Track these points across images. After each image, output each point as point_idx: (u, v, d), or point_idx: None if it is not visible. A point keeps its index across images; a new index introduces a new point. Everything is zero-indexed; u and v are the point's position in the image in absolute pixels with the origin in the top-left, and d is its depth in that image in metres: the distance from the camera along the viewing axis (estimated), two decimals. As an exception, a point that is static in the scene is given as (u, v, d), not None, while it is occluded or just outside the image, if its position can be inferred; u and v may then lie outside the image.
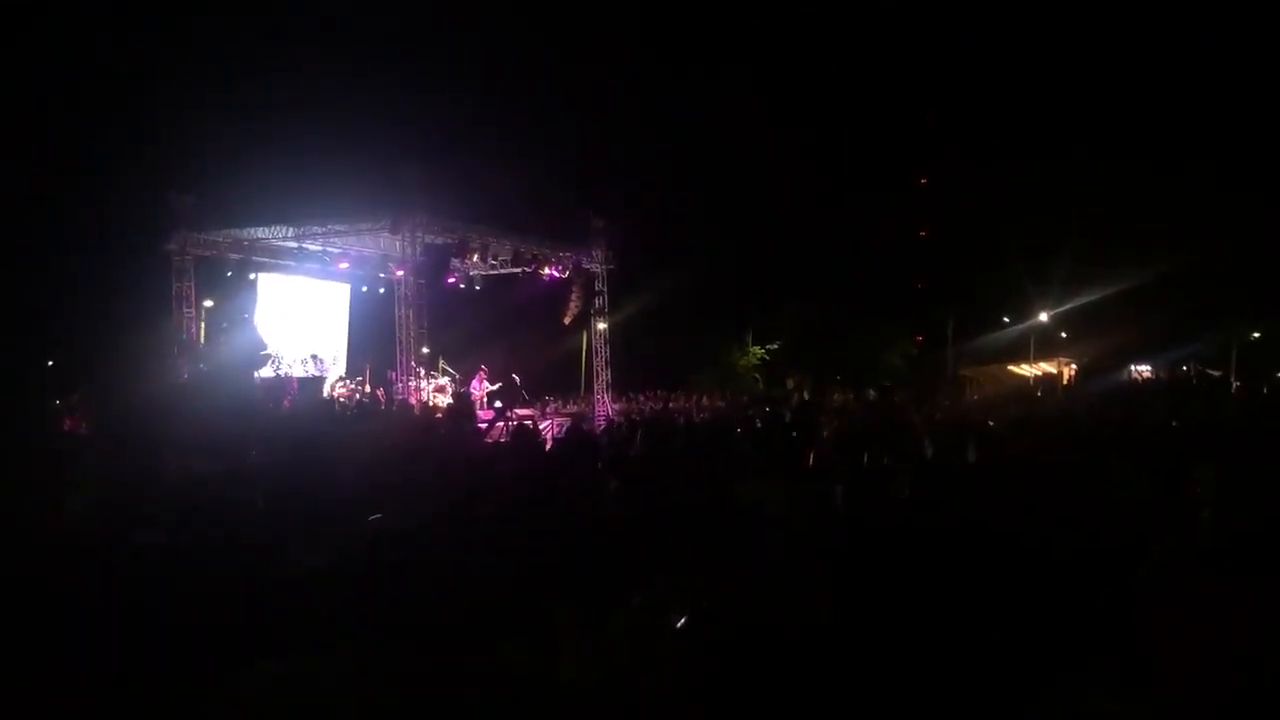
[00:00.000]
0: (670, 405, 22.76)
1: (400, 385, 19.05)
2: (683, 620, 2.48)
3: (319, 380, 20.20)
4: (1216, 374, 30.27)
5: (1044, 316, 38.91)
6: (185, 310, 20.02)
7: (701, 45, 38.97)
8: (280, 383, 19.06)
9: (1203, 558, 3.60)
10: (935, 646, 2.71)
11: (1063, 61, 38.96)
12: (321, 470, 6.12)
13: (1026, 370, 34.18)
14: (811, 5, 39.42)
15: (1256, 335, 37.03)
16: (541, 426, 15.12)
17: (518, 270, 21.71)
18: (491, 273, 22.27)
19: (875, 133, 41.44)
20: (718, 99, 36.34)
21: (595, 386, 24.05)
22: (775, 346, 37.54)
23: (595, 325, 23.86)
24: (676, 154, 37.17)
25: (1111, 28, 37.76)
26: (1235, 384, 26.60)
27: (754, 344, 37.54)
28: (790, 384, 31.06)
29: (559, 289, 22.54)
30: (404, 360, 19.15)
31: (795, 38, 40.02)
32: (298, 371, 20.25)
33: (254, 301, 20.87)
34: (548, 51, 34.06)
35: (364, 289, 23.43)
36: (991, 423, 11.33)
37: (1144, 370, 31.73)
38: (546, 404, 24.07)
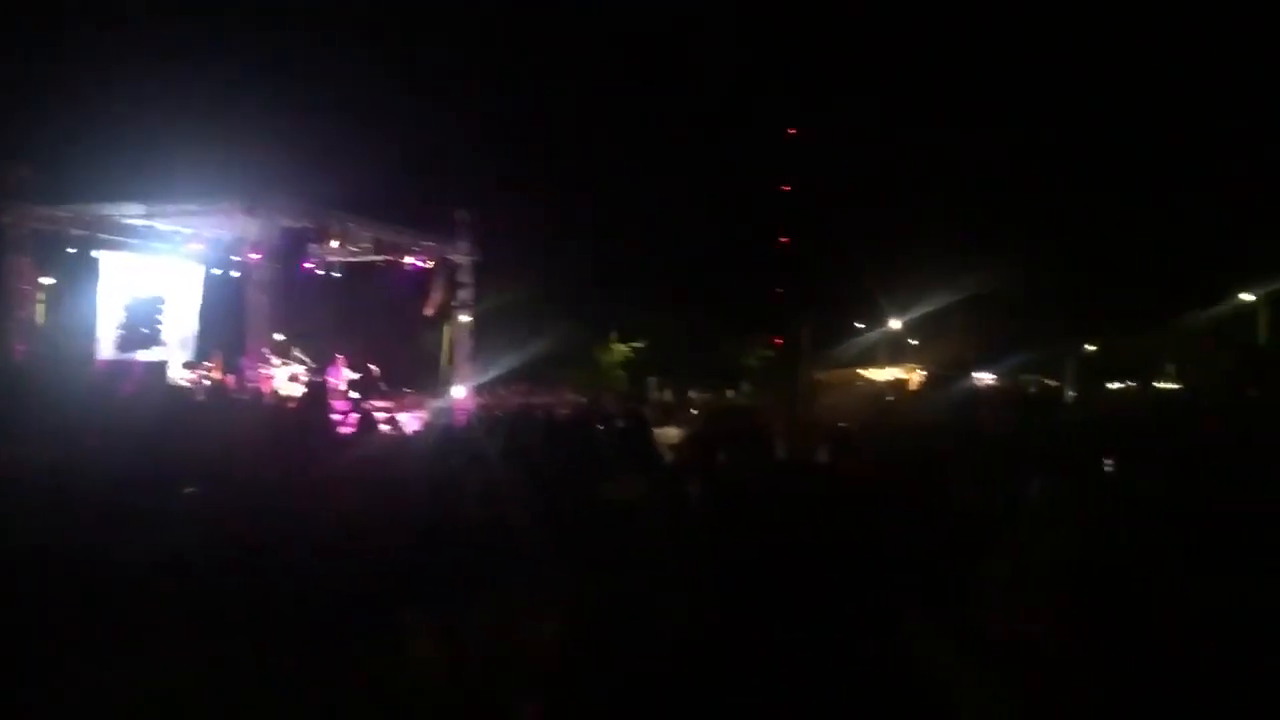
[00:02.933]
0: (533, 401, 22.66)
1: (251, 372, 18.42)
2: (537, 621, 2.46)
3: (163, 365, 19.37)
4: (1054, 384, 31.85)
5: (895, 323, 40.39)
6: (21, 288, 18.89)
7: (569, 44, 38.96)
8: (122, 366, 18.22)
9: (1036, 565, 3.78)
10: (787, 649, 2.77)
11: (921, 72, 40.44)
12: (163, 460, 5.86)
13: (878, 375, 35.27)
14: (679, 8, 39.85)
15: (1092, 348, 39.28)
16: (400, 419, 14.86)
17: (379, 259, 21.27)
18: (351, 260, 21.75)
19: (739, 141, 42.22)
20: (589, 99, 36.41)
21: (456, 380, 23.75)
22: (640, 345, 37.87)
23: (458, 318, 23.55)
24: (544, 150, 37.09)
25: (964, 37, 39.37)
26: (1071, 394, 28.07)
27: (619, 342, 37.78)
28: (653, 383, 31.37)
29: (422, 279, 22.18)
30: (255, 347, 18.52)
31: (661, 41, 40.39)
32: (141, 355, 19.38)
33: (96, 281, 19.88)
34: (415, 38, 33.50)
35: (216, 271, 22.54)
36: (842, 425, 11.64)
37: (987, 378, 33.17)
38: (405, 396, 23.63)
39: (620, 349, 37.63)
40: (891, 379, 35.44)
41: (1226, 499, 5.19)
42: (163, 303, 21.28)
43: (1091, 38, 37.67)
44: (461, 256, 22.70)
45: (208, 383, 19.32)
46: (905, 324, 40.88)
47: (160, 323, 21.01)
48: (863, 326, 43.33)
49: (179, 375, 19.33)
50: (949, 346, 36.54)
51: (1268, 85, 33.76)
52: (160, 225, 19.22)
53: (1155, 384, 32.66)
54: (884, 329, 41.05)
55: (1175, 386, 31.77)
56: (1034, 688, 2.73)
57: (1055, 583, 3.32)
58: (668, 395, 27.12)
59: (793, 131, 44.91)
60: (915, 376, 35.08)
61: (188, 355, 21.40)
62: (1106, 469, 6.21)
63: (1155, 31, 36.48)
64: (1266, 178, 32.54)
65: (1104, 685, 2.60)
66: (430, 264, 21.86)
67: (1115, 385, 31.65)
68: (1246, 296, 35.47)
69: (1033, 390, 28.99)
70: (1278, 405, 17.55)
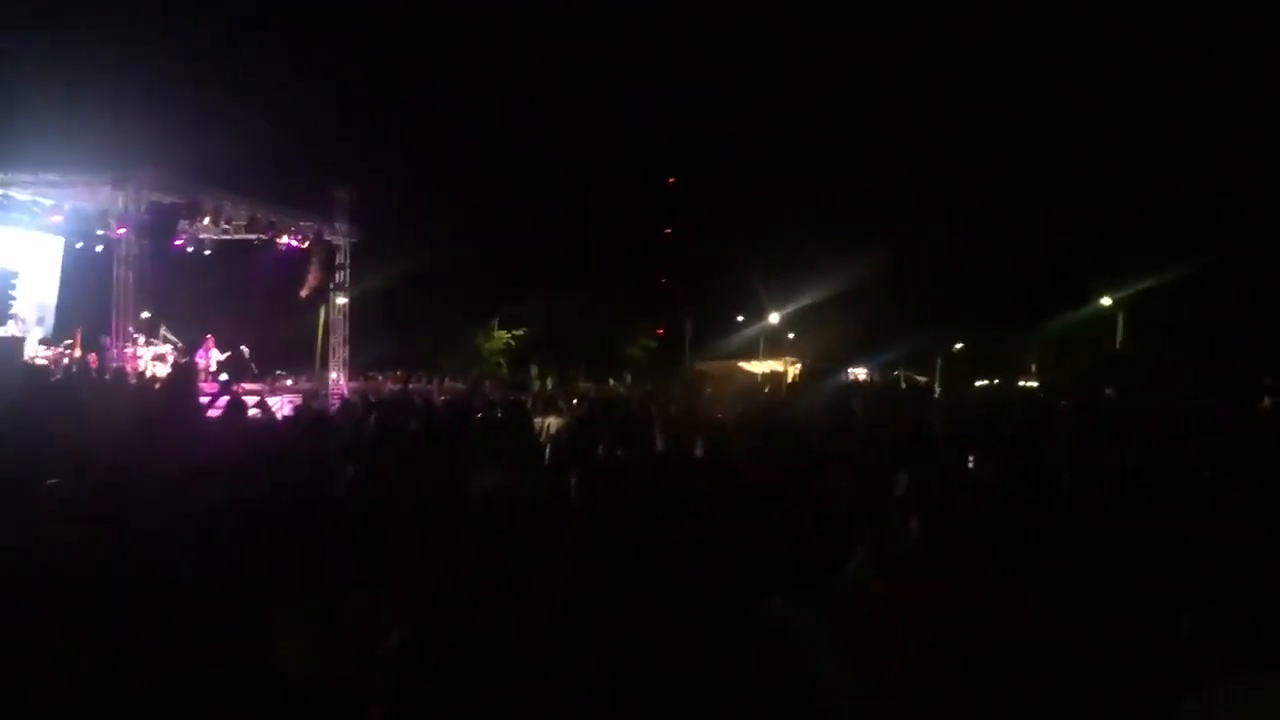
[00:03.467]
0: (411, 386, 22.31)
1: (115, 352, 17.65)
2: (409, 617, 2.44)
3: (18, 342, 18.39)
4: (922, 380, 32.89)
5: (774, 317, 41.12)
6: None
7: (460, 25, 38.41)
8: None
9: (900, 557, 3.91)
10: (662, 640, 2.80)
11: (802, 72, 41.20)
12: (17, 443, 5.59)
13: (756, 367, 35.88)
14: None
15: (959, 346, 40.69)
16: (270, 403, 14.46)
17: (253, 237, 20.61)
18: (224, 238, 21.00)
19: (626, 132, 42.37)
20: (477, 83, 35.97)
21: (332, 364, 23.23)
22: (522, 332, 37.65)
23: (335, 300, 23.03)
24: (429, 133, 36.50)
25: (841, 37, 40.23)
26: (938, 390, 29.04)
27: (501, 328, 37.50)
28: (535, 371, 31.24)
29: (298, 260, 21.59)
30: (120, 325, 17.76)
31: (552, 29, 40.17)
32: (-6, 331, 18.40)
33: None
34: (297, 9, 32.54)
35: (79, 245, 21.47)
36: (720, 416, 11.81)
37: (859, 373, 34.06)
38: (277, 379, 22.99)
39: (502, 335, 37.37)
40: (770, 371, 36.08)
41: (1075, 496, 5.47)
42: (16, 277, 20.21)
43: (963, 41, 38.93)
44: (340, 237, 22.20)
45: (66, 361, 18.44)
46: (784, 318, 41.66)
47: (14, 298, 19.96)
48: (743, 320, 44.00)
49: (35, 353, 18.38)
50: (825, 341, 37.42)
51: (1132, 94, 35.46)
52: (17, 195, 18.20)
53: (1018, 382, 34.07)
54: (764, 323, 41.76)
55: (1034, 385, 33.21)
56: (893, 671, 2.82)
57: (916, 571, 3.45)
58: (550, 383, 27.04)
59: (678, 126, 45.27)
60: (793, 369, 35.82)
61: (45, 332, 20.39)
62: (969, 465, 6.47)
63: (1027, 35, 37.90)
64: (1128, 187, 34.19)
65: (956, 670, 2.71)
66: (307, 244, 21.29)
67: (981, 382, 32.85)
68: (1106, 300, 37.24)
69: (903, 385, 29.91)
70: (1131, 404, 18.54)
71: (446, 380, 27.44)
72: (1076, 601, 3.42)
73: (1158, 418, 11.08)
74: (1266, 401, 18.46)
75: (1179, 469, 6.23)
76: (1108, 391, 23.06)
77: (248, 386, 18.33)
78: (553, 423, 9.02)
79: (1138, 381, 25.43)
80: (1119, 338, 36.65)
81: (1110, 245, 33.95)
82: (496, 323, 37.43)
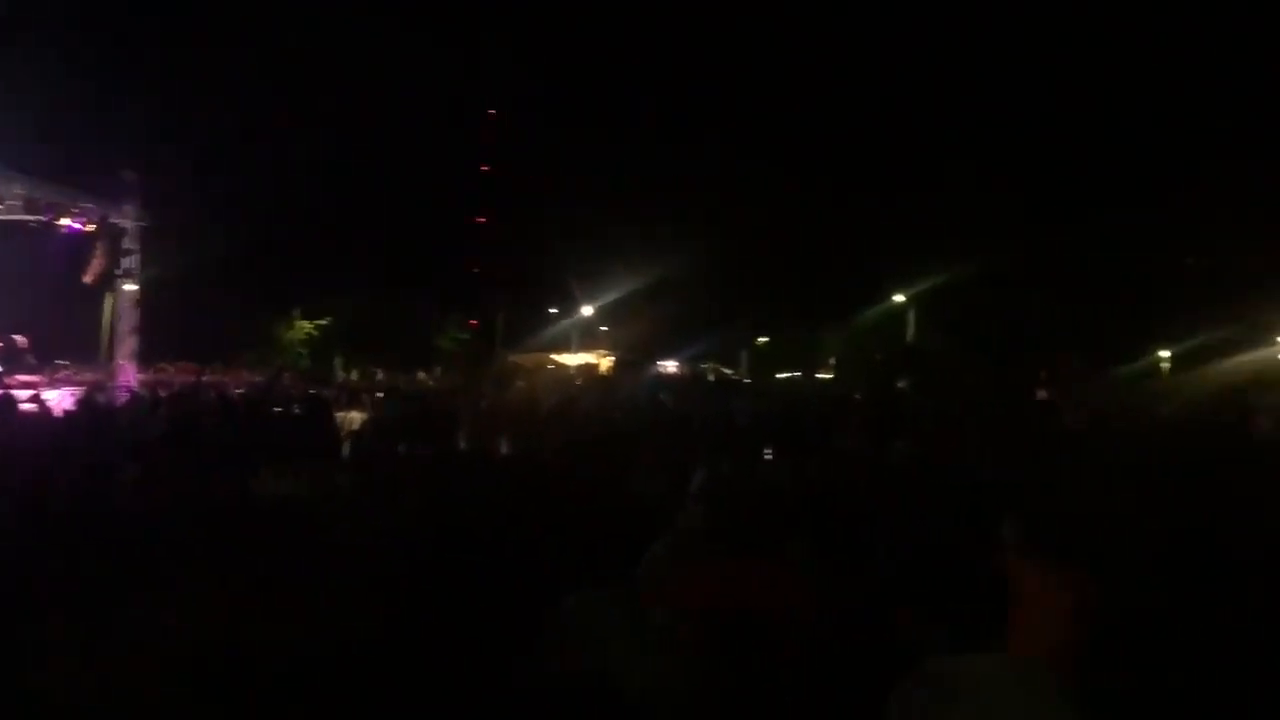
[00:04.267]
0: (204, 379, 21.24)
1: None
2: (190, 631, 2.32)
3: None
4: (729, 372, 33.78)
5: (587, 310, 41.35)
6: None
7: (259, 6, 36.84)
8: None
9: (694, 547, 4.01)
10: (462, 641, 2.78)
11: (617, 64, 41.54)
12: None
13: (569, 360, 35.99)
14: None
15: (764, 340, 42.05)
16: (49, 397, 13.49)
17: (31, 218, 19.16)
18: (-3, 219, 19.45)
19: (439, 118, 41.68)
20: (279, 65, 34.56)
21: (119, 354, 21.84)
22: (326, 322, 36.45)
23: (122, 287, 21.65)
24: (225, 111, 34.81)
25: (656, 33, 40.81)
26: (746, 382, 29.91)
27: (303, 318, 36.18)
28: (338, 363, 30.33)
29: (81, 243, 20.19)
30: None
31: (363, 13, 39.08)
32: None
33: None
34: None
35: None
36: (531, 410, 11.79)
37: (670, 366, 34.68)
38: (59, 371, 21.46)
39: (304, 326, 36.06)
40: (583, 364, 36.28)
41: (863, 486, 5.75)
42: None
43: (766, 38, 40.09)
44: (128, 220, 20.89)
45: None
46: (597, 310, 41.93)
47: None
48: (556, 312, 44.03)
49: None
50: (637, 334, 37.91)
51: (924, 97, 37.39)
52: None
53: (817, 375, 35.52)
54: (577, 315, 41.90)
55: (831, 377, 34.72)
56: (686, 662, 2.88)
57: (707, 561, 3.55)
58: (355, 376, 26.30)
59: (493, 114, 44.90)
60: (605, 362, 36.12)
61: None
62: (766, 455, 6.71)
63: (827, 34, 39.39)
64: (922, 188, 36.07)
65: (740, 659, 2.81)
66: (91, 227, 19.93)
67: (784, 375, 34.02)
68: (899, 297, 39.26)
69: (712, 378, 30.63)
70: (920, 397, 19.62)
71: (244, 372, 26.28)
72: (859, 590, 3.60)
73: (942, 410, 11.75)
74: (1041, 394, 19.83)
75: (958, 460, 6.64)
76: (900, 384, 24.32)
77: (24, 379, 17.05)
78: (355, 418, 8.79)
79: (927, 375, 26.92)
80: (910, 332, 38.73)
81: (904, 244, 35.75)
82: (299, 312, 36.08)
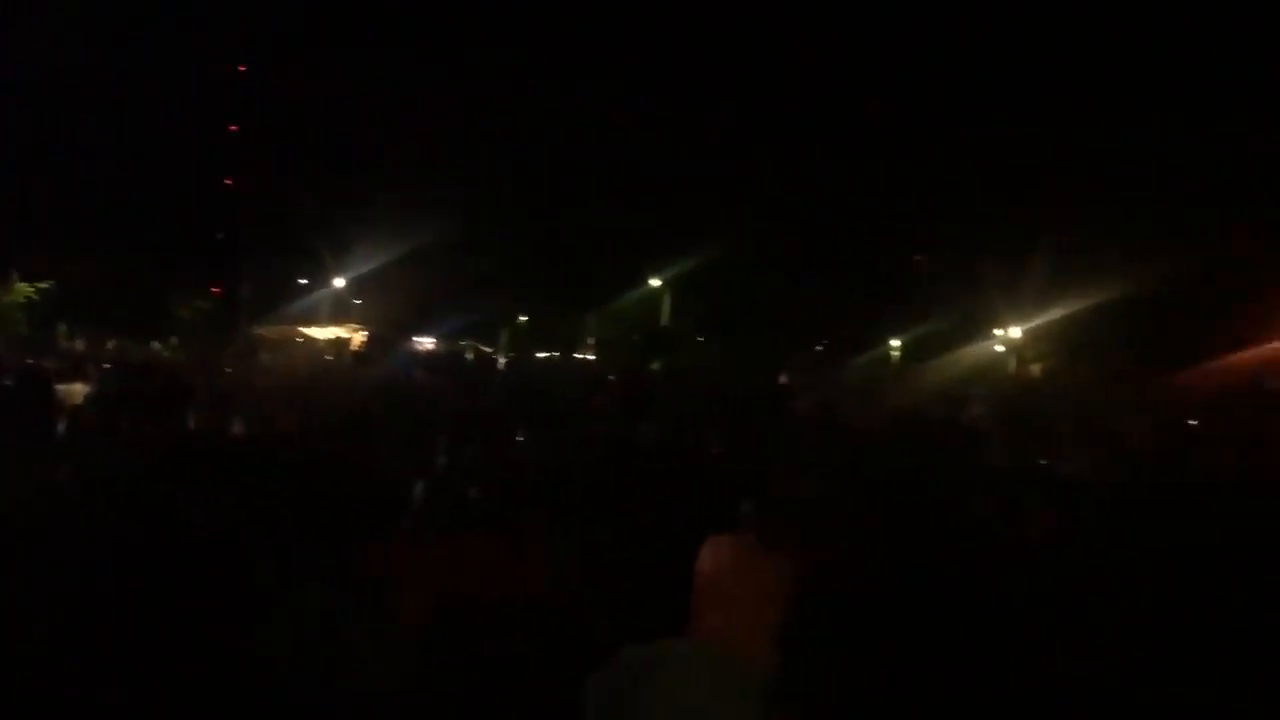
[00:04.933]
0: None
1: None
2: None
3: None
4: (489, 351, 33.60)
5: (339, 281, 40.00)
6: None
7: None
8: None
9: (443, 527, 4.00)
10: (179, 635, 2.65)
11: (380, 19, 40.31)
12: None
13: (319, 333, 34.72)
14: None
15: (525, 319, 42.12)
16: None
17: None
18: None
19: (181, 73, 39.06)
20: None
21: None
22: (48, 286, 33.52)
23: None
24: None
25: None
26: (502, 360, 29.88)
27: (22, 281, 33.09)
28: (62, 330, 27.95)
29: None
30: None
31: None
32: None
33: None
34: None
35: None
36: (278, 386, 11.32)
37: (426, 342, 34.13)
38: None
39: (22, 288, 32.98)
40: (335, 338, 35.09)
41: (616, 469, 5.89)
42: None
43: (530, 12, 39.87)
44: None
45: None
46: (351, 282, 40.59)
47: None
48: (307, 283, 42.28)
49: None
50: (392, 308, 37.05)
51: (686, 82, 38.34)
52: None
53: (577, 355, 35.97)
54: (329, 287, 40.42)
55: (592, 357, 35.25)
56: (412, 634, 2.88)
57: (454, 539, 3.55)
58: (80, 345, 24.30)
59: (242, 69, 42.58)
60: (358, 337, 35.11)
61: None
62: (519, 439, 6.74)
63: (587, 21, 39.59)
64: (680, 177, 37.03)
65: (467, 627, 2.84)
66: None
67: (544, 354, 34.20)
68: (655, 281, 40.28)
69: (470, 356, 30.39)
70: (675, 376, 20.25)
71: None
72: (601, 570, 3.70)
73: (688, 394, 12.17)
74: (784, 379, 20.88)
75: (699, 443, 6.92)
76: (654, 366, 25.01)
77: None
78: (77, 391, 8.12)
79: (678, 358, 27.82)
80: (665, 316, 39.88)
81: (662, 228, 36.67)
82: (16, 275, 32.94)
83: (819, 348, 36.70)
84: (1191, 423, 11.30)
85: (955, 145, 33.18)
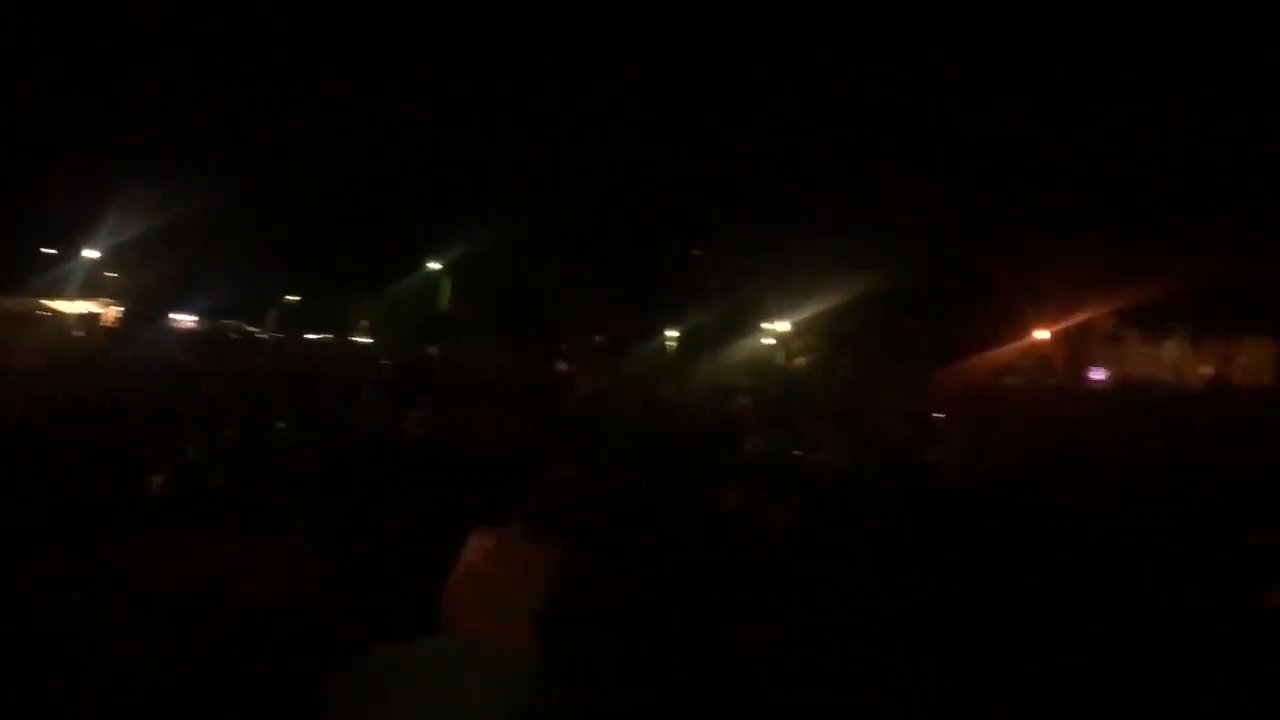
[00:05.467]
0: None
1: None
2: None
3: None
4: (255, 331, 32.18)
5: (91, 252, 37.19)
6: None
7: None
8: None
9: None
10: None
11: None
12: None
13: (68, 308, 32.21)
14: None
15: (295, 298, 40.54)
16: None
17: None
18: None
19: None
20: None
21: None
22: None
23: None
24: None
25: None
26: (274, 339, 28.76)
27: None
28: None
29: None
30: None
31: None
32: None
33: None
34: None
35: None
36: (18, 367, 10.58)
37: (187, 320, 32.36)
38: None
39: None
40: (85, 314, 32.70)
41: (382, 459, 5.82)
42: None
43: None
44: None
45: None
46: (105, 253, 37.71)
47: None
48: (55, 253, 38.96)
49: None
50: (150, 283, 34.85)
51: (474, 70, 37.91)
52: None
53: (352, 338, 34.96)
54: (79, 259, 37.40)
55: (369, 340, 34.37)
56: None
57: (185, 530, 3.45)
58: None
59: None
60: (111, 312, 32.84)
61: None
62: (280, 426, 6.52)
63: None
64: (460, 160, 36.64)
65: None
66: None
67: (315, 336, 33.02)
68: (434, 265, 39.70)
69: (235, 336, 29.06)
70: (451, 362, 20.08)
71: None
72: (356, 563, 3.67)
73: (464, 380, 12.14)
74: (561, 365, 21.06)
75: (472, 429, 6.91)
76: (430, 350, 24.70)
77: None
78: None
79: (456, 344, 27.58)
80: (444, 299, 39.39)
81: (442, 211, 36.24)
82: None
83: (597, 338, 37.19)
84: (937, 416, 12.20)
85: (733, 141, 34.36)
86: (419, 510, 4.21)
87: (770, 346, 37.75)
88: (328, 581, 3.10)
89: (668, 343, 39.06)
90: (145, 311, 29.97)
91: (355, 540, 3.60)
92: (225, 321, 31.99)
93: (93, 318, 29.98)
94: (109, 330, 27.99)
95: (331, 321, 36.40)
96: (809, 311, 35.27)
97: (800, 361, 34.29)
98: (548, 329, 32.51)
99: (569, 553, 2.80)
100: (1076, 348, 31.77)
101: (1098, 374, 29.93)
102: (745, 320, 37.10)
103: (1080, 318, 30.90)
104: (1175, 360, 31.45)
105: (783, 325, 37.41)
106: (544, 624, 2.18)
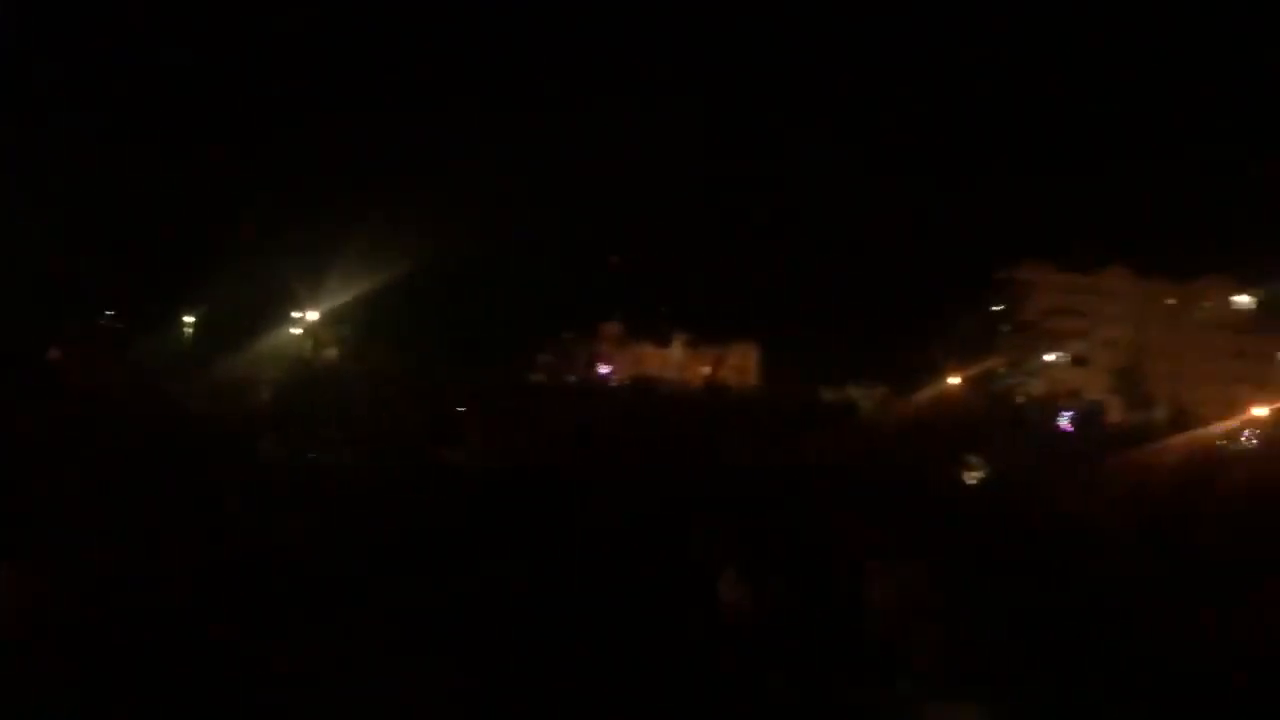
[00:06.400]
0: None
1: None
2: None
3: None
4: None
5: None
6: None
7: None
8: None
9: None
10: None
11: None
12: None
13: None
14: None
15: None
16: None
17: None
18: None
19: None
20: None
21: None
22: None
23: None
24: None
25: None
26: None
27: None
28: None
29: None
30: None
31: None
32: None
33: None
34: None
35: None
36: None
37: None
38: None
39: None
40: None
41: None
42: None
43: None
44: None
45: None
46: None
47: None
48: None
49: None
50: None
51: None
52: None
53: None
54: None
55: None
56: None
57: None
58: None
59: None
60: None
61: None
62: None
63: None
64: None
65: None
66: None
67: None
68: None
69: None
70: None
71: None
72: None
73: None
74: (54, 353, 18.77)
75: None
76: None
77: None
78: None
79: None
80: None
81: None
82: None
83: (104, 316, 33.35)
84: (460, 409, 12.53)
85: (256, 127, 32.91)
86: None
87: (297, 336, 36.23)
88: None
89: (185, 328, 36.05)
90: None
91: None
92: None
93: None
94: None
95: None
96: (340, 299, 34.40)
97: (331, 353, 33.35)
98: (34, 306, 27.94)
99: (28, 573, 2.62)
100: (591, 348, 34.39)
101: (604, 369, 32.76)
102: (273, 306, 35.26)
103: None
104: (680, 361, 35.33)
105: (312, 314, 36.02)
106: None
